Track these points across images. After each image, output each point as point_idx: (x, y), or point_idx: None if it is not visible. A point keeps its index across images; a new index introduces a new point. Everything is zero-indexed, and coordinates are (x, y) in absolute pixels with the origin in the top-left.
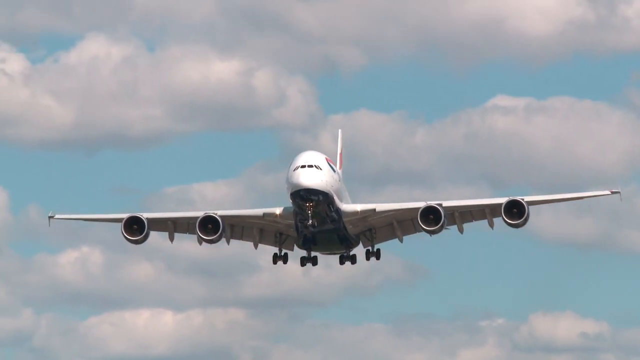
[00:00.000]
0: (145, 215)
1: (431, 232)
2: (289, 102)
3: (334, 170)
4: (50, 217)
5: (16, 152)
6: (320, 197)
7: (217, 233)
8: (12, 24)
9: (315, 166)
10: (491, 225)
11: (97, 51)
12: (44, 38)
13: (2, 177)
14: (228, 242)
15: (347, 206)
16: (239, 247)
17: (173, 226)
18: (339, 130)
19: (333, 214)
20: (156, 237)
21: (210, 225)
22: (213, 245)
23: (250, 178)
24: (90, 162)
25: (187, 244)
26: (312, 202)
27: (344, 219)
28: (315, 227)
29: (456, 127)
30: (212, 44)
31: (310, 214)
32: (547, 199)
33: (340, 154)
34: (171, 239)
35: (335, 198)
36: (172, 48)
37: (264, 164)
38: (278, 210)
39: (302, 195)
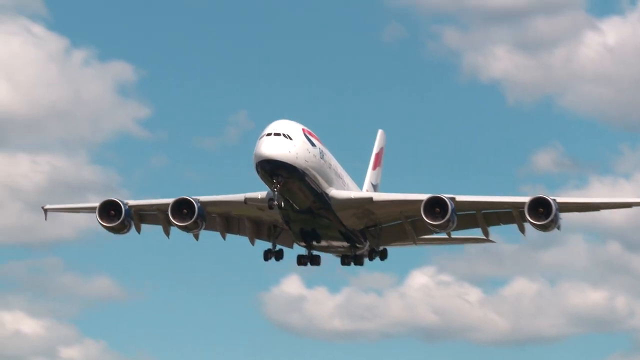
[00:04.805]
0: (124, 201)
1: (437, 228)
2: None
3: (313, 144)
4: (44, 210)
5: None
6: (290, 173)
7: (192, 218)
8: None
9: (283, 135)
10: (522, 230)
11: None
12: None
13: None
14: (224, 236)
15: (337, 192)
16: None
17: (164, 217)
18: (379, 131)
19: (316, 198)
20: None
21: (185, 211)
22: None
23: None
24: None
25: None
26: (277, 178)
27: (335, 208)
28: (284, 208)
29: None
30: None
31: (277, 193)
32: (583, 201)
33: (377, 154)
34: (166, 232)
35: (317, 177)
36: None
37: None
38: (260, 195)
39: (265, 168)
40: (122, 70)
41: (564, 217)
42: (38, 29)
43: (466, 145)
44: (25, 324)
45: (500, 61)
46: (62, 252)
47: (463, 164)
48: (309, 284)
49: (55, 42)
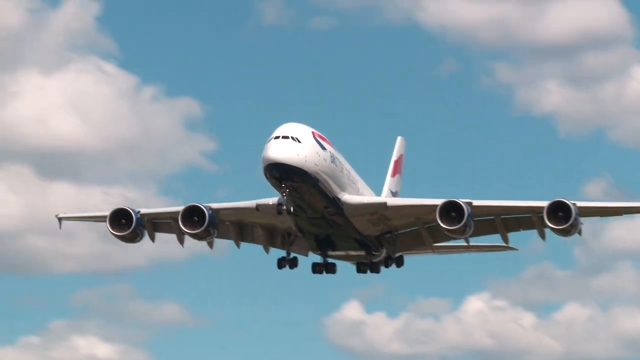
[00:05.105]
0: (135, 209)
1: (454, 233)
2: None
3: (323, 148)
4: (58, 218)
5: None
6: (299, 177)
7: (203, 226)
8: None
9: (292, 138)
10: (542, 235)
11: None
12: None
13: None
14: (238, 245)
15: (350, 197)
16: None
17: (176, 225)
18: (398, 138)
19: (328, 203)
20: None
21: (196, 218)
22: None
23: None
24: None
25: None
26: (286, 183)
27: (349, 213)
28: (295, 214)
29: None
30: None
31: (286, 198)
32: (604, 206)
33: (396, 161)
34: (180, 241)
35: (328, 182)
36: None
37: None
38: (272, 201)
39: (273, 173)
40: (189, 105)
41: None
42: (109, 67)
43: (519, 175)
44: (98, 349)
45: (551, 95)
46: (133, 280)
47: (515, 193)
48: (369, 309)
49: (125, 80)
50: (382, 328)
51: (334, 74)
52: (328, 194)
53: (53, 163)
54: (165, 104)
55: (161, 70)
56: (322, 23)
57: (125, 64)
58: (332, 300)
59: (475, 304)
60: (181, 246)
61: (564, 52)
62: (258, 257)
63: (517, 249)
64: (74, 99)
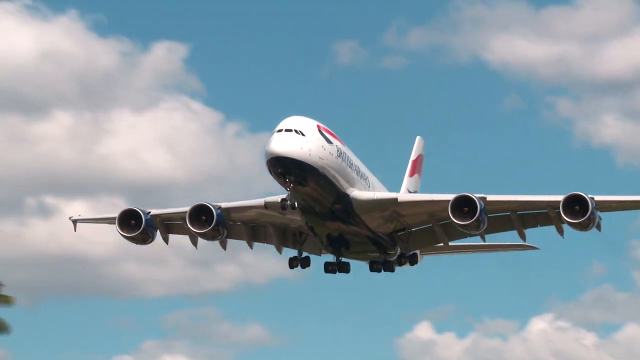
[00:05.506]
0: (145, 210)
1: (467, 229)
2: None
3: (329, 142)
4: (72, 220)
5: None
6: (302, 171)
7: (211, 225)
8: None
9: (295, 131)
10: (560, 231)
11: None
12: None
13: None
14: (250, 245)
15: (359, 193)
16: None
17: (186, 225)
18: (417, 138)
19: (336, 199)
20: None
21: (204, 218)
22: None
23: None
24: None
25: None
26: (289, 177)
27: (358, 210)
28: (298, 209)
29: None
30: None
31: (290, 193)
32: (623, 199)
33: (414, 161)
34: (193, 242)
35: (335, 176)
36: None
37: None
38: (279, 198)
39: (276, 167)
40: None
41: None
42: (196, 105)
43: None
44: None
45: (609, 128)
46: (219, 302)
47: None
48: (439, 329)
49: (211, 117)
50: (452, 348)
51: (404, 110)
52: (335, 189)
53: (144, 194)
54: (248, 139)
55: (244, 108)
56: (393, 63)
57: (211, 103)
58: (404, 320)
59: (539, 325)
60: (194, 248)
61: (621, 88)
62: (335, 280)
63: (537, 248)
64: (163, 135)
